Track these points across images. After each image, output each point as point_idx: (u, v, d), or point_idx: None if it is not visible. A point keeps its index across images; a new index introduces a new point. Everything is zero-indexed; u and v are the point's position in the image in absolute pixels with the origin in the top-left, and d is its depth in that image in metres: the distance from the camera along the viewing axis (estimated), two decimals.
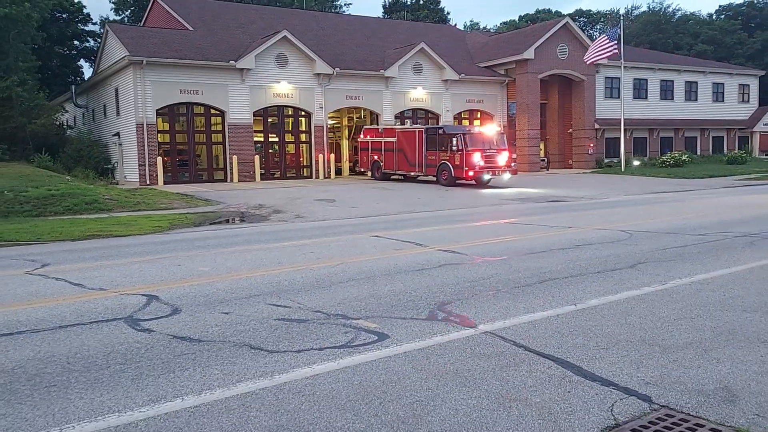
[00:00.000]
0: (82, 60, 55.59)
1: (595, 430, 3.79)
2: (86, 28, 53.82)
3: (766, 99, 52.72)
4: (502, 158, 26.56)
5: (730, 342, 5.39)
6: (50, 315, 6.63)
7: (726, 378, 4.58)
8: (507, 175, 26.90)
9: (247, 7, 41.01)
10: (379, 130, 31.23)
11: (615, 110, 38.92)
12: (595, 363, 4.92)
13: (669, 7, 72.45)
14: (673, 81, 45.93)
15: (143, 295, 7.49)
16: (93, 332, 5.97)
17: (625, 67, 37.99)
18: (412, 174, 29.12)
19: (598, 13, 79.96)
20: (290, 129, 33.77)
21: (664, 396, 4.28)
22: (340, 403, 4.23)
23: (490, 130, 28.02)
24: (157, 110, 28.81)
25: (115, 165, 31.88)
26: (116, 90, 30.97)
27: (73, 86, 40.19)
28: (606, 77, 41.64)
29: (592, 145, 39.83)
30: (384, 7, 72.34)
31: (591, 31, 73.37)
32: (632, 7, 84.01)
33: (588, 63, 36.01)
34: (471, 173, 25.95)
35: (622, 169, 36.52)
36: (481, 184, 26.64)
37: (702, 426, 3.84)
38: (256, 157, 31.05)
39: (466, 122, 37.85)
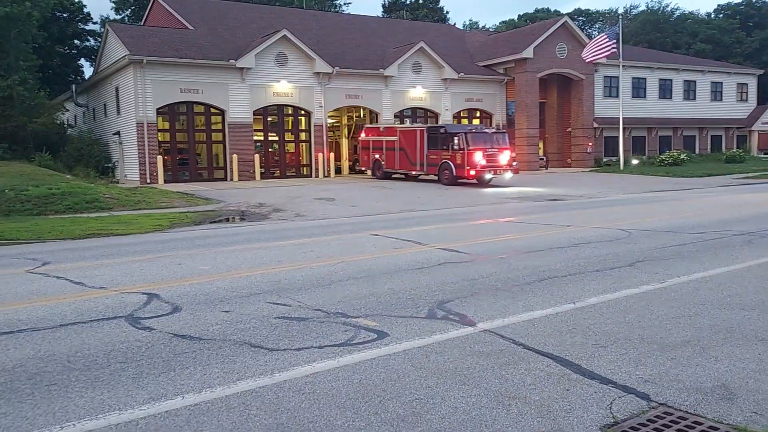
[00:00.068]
0: (82, 59, 55.59)
1: (593, 428, 3.81)
2: (87, 28, 53.83)
3: (764, 98, 52.74)
4: (504, 157, 26.53)
5: (728, 340, 5.41)
6: (51, 314, 6.65)
7: (724, 376, 4.60)
8: (508, 174, 26.81)
9: (247, 7, 40.99)
10: (381, 129, 31.16)
11: (614, 109, 38.92)
12: (593, 361, 4.94)
13: (668, 6, 72.39)
14: (671, 80, 45.95)
15: (144, 293, 7.51)
16: (93, 331, 5.99)
17: (623, 66, 37.99)
18: (414, 173, 29.10)
19: (596, 13, 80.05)
20: (290, 128, 33.78)
21: (663, 394, 4.30)
22: (340, 401, 4.25)
23: (492, 129, 28.00)
24: (157, 109, 28.81)
25: (116, 164, 31.89)
26: (117, 89, 30.97)
27: (73, 85, 40.18)
28: (605, 76, 41.65)
29: (590, 144, 39.84)
30: (383, 6, 72.36)
31: (590, 31, 73.40)
32: (631, 6, 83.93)
33: (587, 62, 36.00)
34: (473, 172, 25.91)
35: (621, 167, 36.52)
36: (482, 183, 26.61)
37: (700, 424, 3.86)
38: (256, 155, 31.05)
39: (465, 121, 37.87)
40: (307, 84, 32.24)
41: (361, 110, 36.57)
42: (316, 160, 32.86)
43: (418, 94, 35.84)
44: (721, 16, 72.44)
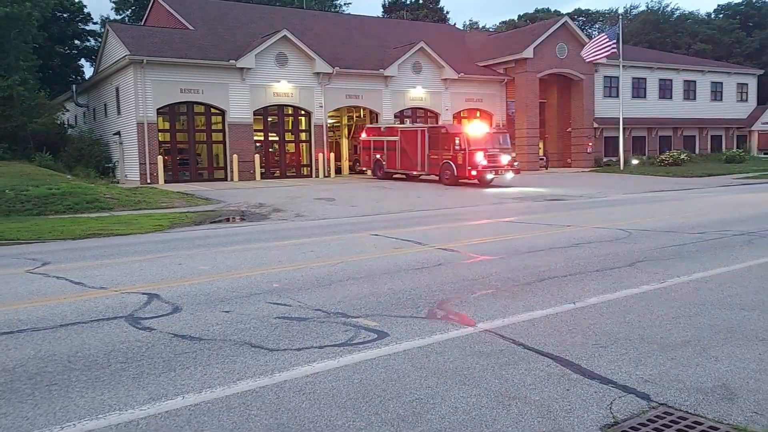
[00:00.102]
0: (82, 59, 55.65)
1: (594, 428, 3.81)
2: (87, 28, 53.89)
3: (764, 98, 52.71)
4: (505, 157, 26.50)
5: (729, 340, 5.41)
6: (51, 314, 6.65)
7: (724, 376, 4.59)
8: (510, 175, 26.72)
9: (248, 7, 41.02)
10: (381, 129, 31.10)
11: (614, 109, 38.92)
12: (593, 361, 4.94)
13: (668, 6, 72.43)
14: (671, 80, 45.95)
15: (144, 293, 7.51)
16: (94, 331, 5.99)
17: (623, 66, 38.00)
18: (415, 173, 29.08)
19: (596, 13, 80.00)
20: (290, 128, 33.78)
21: (663, 394, 4.30)
22: (341, 401, 4.26)
23: (494, 129, 27.97)
24: (157, 109, 28.82)
25: (116, 164, 31.90)
26: (117, 89, 30.98)
27: (73, 85, 40.22)
28: (605, 76, 41.64)
29: (590, 144, 39.84)
30: (383, 6, 72.37)
31: (590, 31, 73.33)
32: (631, 6, 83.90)
33: (587, 61, 36.01)
34: (474, 173, 25.88)
35: (621, 167, 36.53)
36: (484, 183, 26.58)
37: (700, 424, 3.86)
38: (257, 156, 31.06)
39: (465, 121, 37.86)
40: (307, 84, 32.24)
41: (361, 110, 36.57)
42: (316, 160, 32.86)
43: (418, 94, 35.85)
44: (721, 16, 72.41)
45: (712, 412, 4.00)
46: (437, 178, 27.81)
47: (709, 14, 74.90)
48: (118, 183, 28.71)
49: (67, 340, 5.73)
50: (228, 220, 17.09)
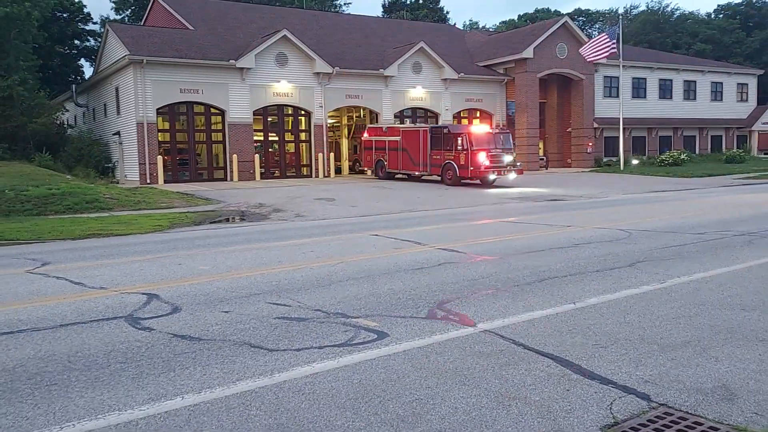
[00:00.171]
0: (82, 59, 55.63)
1: (594, 429, 3.81)
2: (87, 28, 53.87)
3: (764, 98, 52.75)
4: (508, 158, 26.47)
5: (729, 340, 5.41)
6: (51, 314, 6.65)
7: (724, 376, 4.59)
8: (512, 175, 26.63)
9: (247, 7, 41.01)
10: (383, 129, 31.06)
11: (614, 109, 38.93)
12: (594, 361, 4.94)
13: (668, 6, 72.46)
14: (671, 80, 45.96)
15: (144, 293, 7.50)
16: (93, 331, 5.99)
17: (623, 66, 38.01)
18: (417, 173, 29.06)
19: (596, 13, 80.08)
20: (290, 128, 33.78)
21: (663, 394, 4.29)
22: (340, 402, 4.25)
23: (496, 129, 27.95)
24: (157, 109, 28.82)
25: (116, 164, 31.89)
26: (117, 89, 30.98)
27: (73, 85, 40.20)
28: (605, 76, 41.66)
29: (590, 144, 39.84)
30: (383, 6, 72.41)
31: (590, 31, 73.39)
32: (631, 6, 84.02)
33: (587, 61, 36.00)
34: (476, 173, 25.88)
35: (621, 168, 36.54)
36: (486, 183, 26.55)
37: (700, 424, 3.86)
38: (256, 156, 31.06)
39: (465, 121, 37.86)
40: (307, 84, 32.24)
41: (361, 110, 36.57)
42: (316, 160, 32.86)
43: (418, 94, 35.84)
44: (721, 16, 72.47)
45: (712, 413, 4.00)
46: (439, 178, 27.79)
47: (709, 14, 75.03)
48: (117, 183, 28.72)
49: (66, 340, 5.72)
50: (228, 220, 17.09)
